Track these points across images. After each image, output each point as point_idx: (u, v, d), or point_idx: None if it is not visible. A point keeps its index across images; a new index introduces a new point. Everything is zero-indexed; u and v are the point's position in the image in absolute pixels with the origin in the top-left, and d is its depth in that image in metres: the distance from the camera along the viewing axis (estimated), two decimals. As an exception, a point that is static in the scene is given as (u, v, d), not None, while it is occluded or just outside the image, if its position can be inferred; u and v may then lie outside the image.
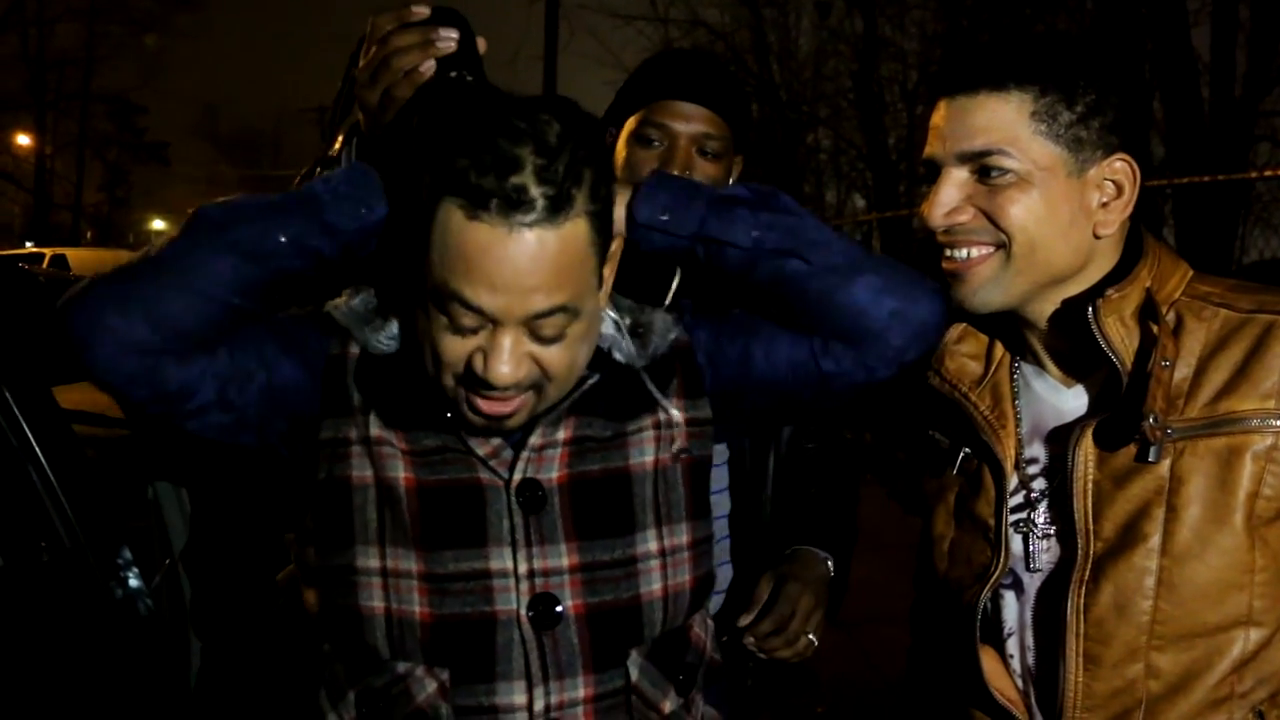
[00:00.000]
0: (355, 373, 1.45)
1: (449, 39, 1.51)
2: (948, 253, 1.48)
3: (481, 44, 1.54)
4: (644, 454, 1.47)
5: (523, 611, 1.39)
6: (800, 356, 1.49)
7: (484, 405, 1.34)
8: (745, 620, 1.91)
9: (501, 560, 1.40)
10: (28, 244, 26.99)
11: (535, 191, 1.25)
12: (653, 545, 1.46)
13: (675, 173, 1.89)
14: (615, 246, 1.44)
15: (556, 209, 1.27)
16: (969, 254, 1.46)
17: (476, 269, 1.26)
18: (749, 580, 2.02)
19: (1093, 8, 14.10)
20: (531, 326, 1.31)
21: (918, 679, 1.77)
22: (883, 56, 18.22)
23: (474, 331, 1.31)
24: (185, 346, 1.36)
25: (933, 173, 1.49)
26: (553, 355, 1.34)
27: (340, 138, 1.65)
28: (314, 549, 1.47)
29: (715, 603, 2.07)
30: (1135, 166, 1.46)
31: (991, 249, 1.45)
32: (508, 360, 1.30)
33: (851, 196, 20.05)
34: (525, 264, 1.26)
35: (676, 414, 1.50)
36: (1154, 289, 1.45)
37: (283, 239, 1.35)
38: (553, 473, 1.43)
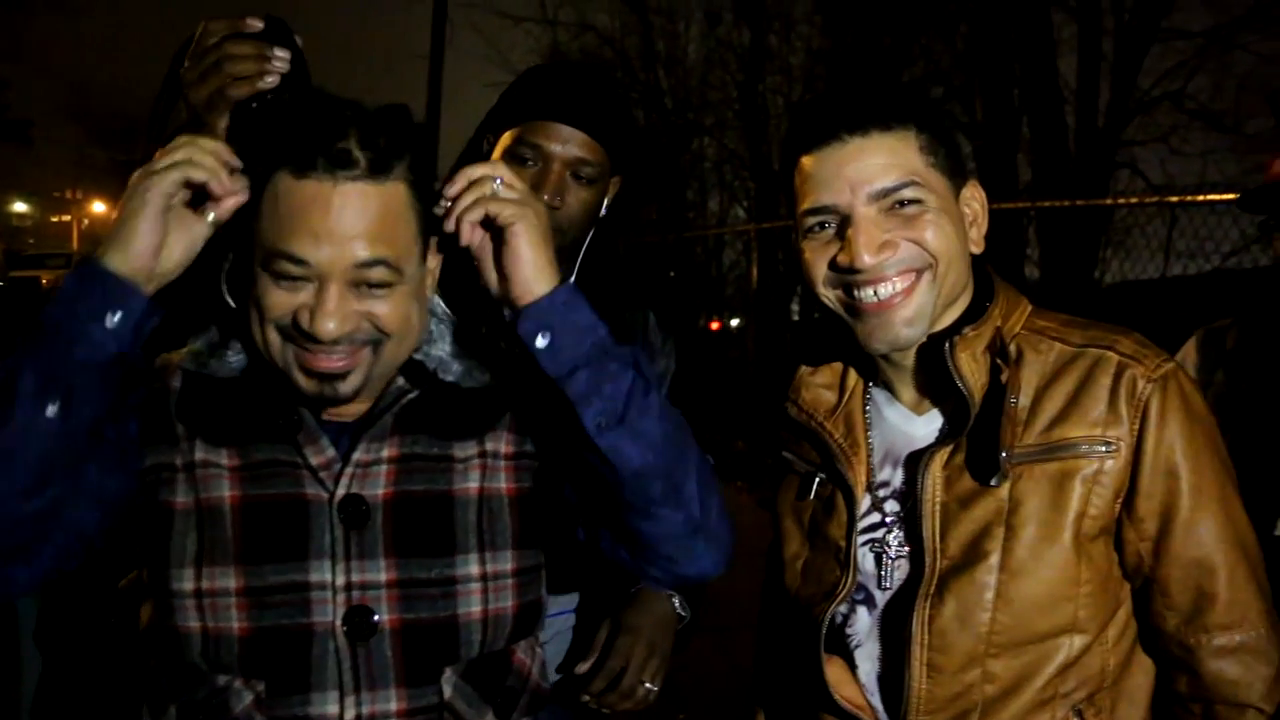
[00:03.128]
0: (178, 403, 1.49)
1: (283, 60, 1.57)
2: (869, 292, 1.51)
3: (300, 42, 1.61)
4: (468, 480, 1.51)
5: (338, 623, 1.43)
6: (591, 521, 1.54)
7: (314, 360, 1.39)
8: (582, 670, 1.94)
9: (321, 573, 1.44)
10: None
11: (358, 153, 1.36)
12: (474, 569, 1.49)
13: (546, 198, 1.92)
14: (434, 264, 1.50)
15: (377, 169, 1.37)
16: (894, 287, 1.51)
17: (303, 221, 1.35)
18: (591, 625, 2.03)
19: (966, 31, 14.52)
20: (356, 280, 1.37)
21: (764, 685, 1.87)
22: (768, 69, 18.51)
23: (301, 288, 1.37)
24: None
25: (830, 222, 1.53)
26: (384, 309, 1.40)
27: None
28: (144, 570, 1.50)
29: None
30: (982, 191, 1.62)
31: (914, 277, 1.52)
32: (334, 313, 1.36)
33: (733, 206, 20.27)
34: (348, 214, 1.36)
35: (503, 447, 1.54)
36: (1002, 326, 1.58)
37: (51, 413, 1.30)
38: (378, 489, 1.47)
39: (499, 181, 1.44)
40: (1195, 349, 2.66)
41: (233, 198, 1.38)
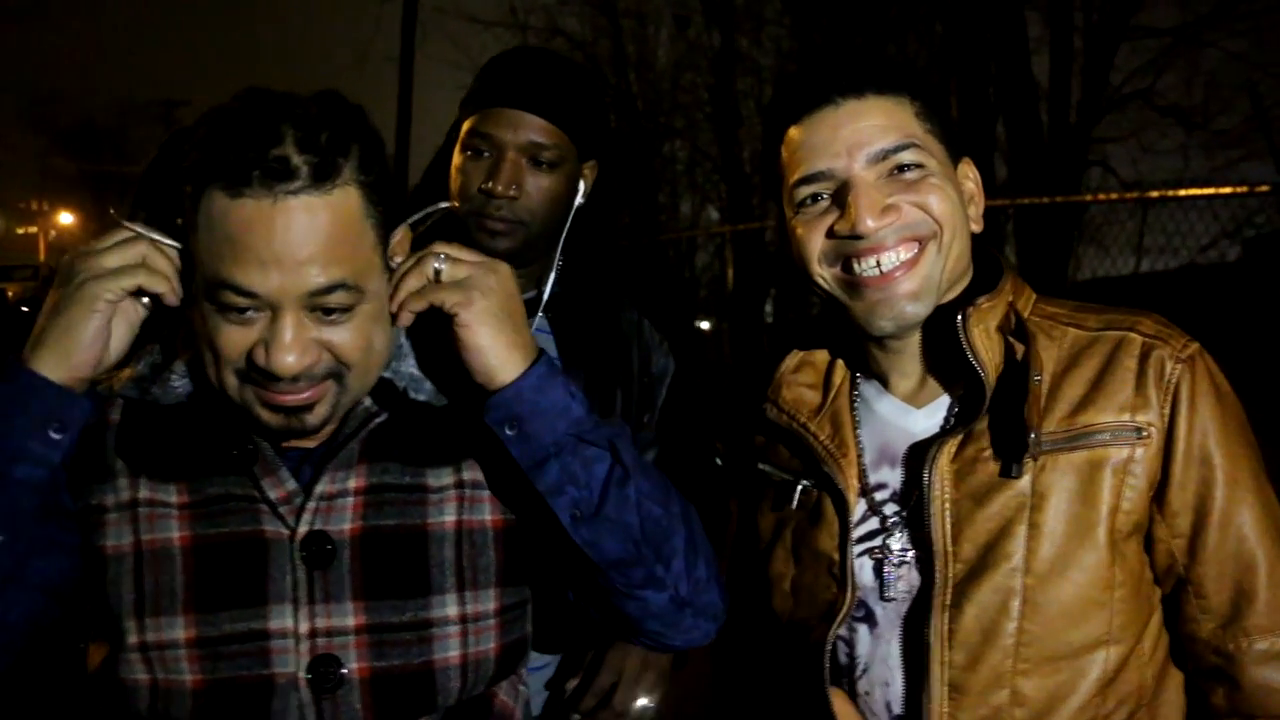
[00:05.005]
0: (118, 437, 1.35)
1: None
2: (870, 263, 1.39)
3: None
4: (444, 513, 1.37)
5: (302, 674, 1.30)
6: (571, 582, 1.43)
7: (276, 397, 1.25)
8: (571, 687, 1.83)
9: (281, 619, 1.30)
10: None
11: (297, 160, 1.19)
12: (451, 611, 1.35)
13: (500, 188, 1.83)
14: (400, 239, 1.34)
15: (322, 176, 1.20)
16: (898, 257, 1.40)
17: (244, 248, 1.19)
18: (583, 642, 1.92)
19: (941, 30, 14.53)
20: (313, 307, 1.22)
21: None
22: (739, 71, 18.47)
23: (253, 321, 1.22)
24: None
25: (828, 188, 1.42)
26: (343, 338, 1.25)
27: None
28: (90, 618, 1.36)
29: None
30: (976, 170, 1.52)
31: (918, 247, 1.40)
32: (291, 346, 1.21)
33: (706, 209, 20.24)
34: (295, 235, 1.19)
35: (484, 475, 1.40)
36: (1015, 304, 1.45)
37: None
38: (344, 524, 1.33)
39: (441, 260, 1.31)
40: None
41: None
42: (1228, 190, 5.99)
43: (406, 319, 1.31)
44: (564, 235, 2.00)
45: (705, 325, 14.91)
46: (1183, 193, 6.56)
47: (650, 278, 2.19)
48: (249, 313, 1.22)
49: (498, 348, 1.29)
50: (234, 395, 1.27)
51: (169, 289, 1.26)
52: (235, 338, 1.23)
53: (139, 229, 1.28)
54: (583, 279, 2.05)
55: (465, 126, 1.92)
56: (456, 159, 1.93)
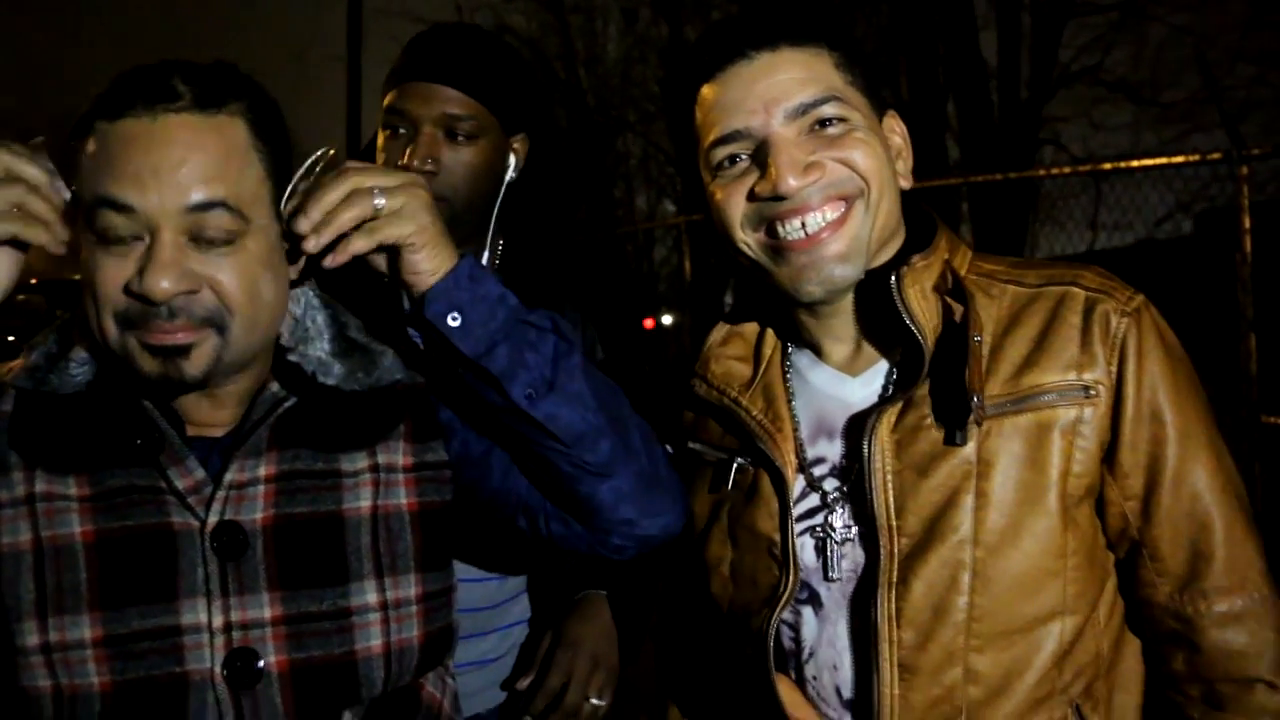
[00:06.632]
0: (10, 429, 1.29)
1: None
2: (795, 225, 1.33)
3: None
4: (360, 498, 1.34)
5: (218, 670, 1.25)
6: (532, 503, 1.42)
7: (152, 335, 1.20)
8: (522, 687, 1.81)
9: (194, 614, 1.25)
10: None
11: (182, 87, 1.21)
12: (371, 598, 1.32)
13: (416, 163, 1.79)
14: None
15: (206, 102, 1.21)
16: (824, 217, 1.32)
17: (122, 162, 1.18)
18: (537, 637, 1.91)
19: (888, 10, 14.55)
20: (192, 229, 1.20)
21: (685, 709, 1.65)
22: (689, 62, 18.50)
23: (132, 250, 1.19)
24: None
25: (746, 148, 1.35)
26: (226, 275, 1.22)
27: None
28: None
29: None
30: (903, 123, 1.44)
31: (845, 206, 1.33)
32: (167, 266, 1.18)
33: (662, 202, 20.21)
34: (175, 150, 1.19)
35: (400, 458, 1.37)
36: (951, 262, 1.39)
37: None
38: (256, 513, 1.29)
39: (379, 194, 1.26)
40: None
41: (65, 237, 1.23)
42: (1180, 159, 5.94)
43: (344, 258, 1.27)
44: (496, 213, 1.93)
45: (668, 319, 14.88)
46: (1134, 164, 6.53)
47: (593, 274, 2.12)
48: (128, 239, 1.19)
49: (435, 248, 1.29)
50: (115, 345, 1.23)
51: (49, 238, 1.22)
52: (113, 271, 1.20)
53: (19, 150, 1.23)
54: (523, 268, 1.97)
55: (384, 104, 1.87)
56: (379, 138, 1.88)
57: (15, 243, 1.22)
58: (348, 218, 1.25)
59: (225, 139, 1.21)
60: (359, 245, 1.26)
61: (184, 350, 1.22)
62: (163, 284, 1.17)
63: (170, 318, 1.20)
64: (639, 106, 19.66)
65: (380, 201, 1.26)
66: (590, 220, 17.55)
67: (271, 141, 1.26)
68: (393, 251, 1.29)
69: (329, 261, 1.28)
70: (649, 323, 15.29)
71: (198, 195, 1.18)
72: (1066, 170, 7.52)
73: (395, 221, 1.27)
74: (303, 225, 1.25)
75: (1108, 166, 6.65)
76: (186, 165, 1.18)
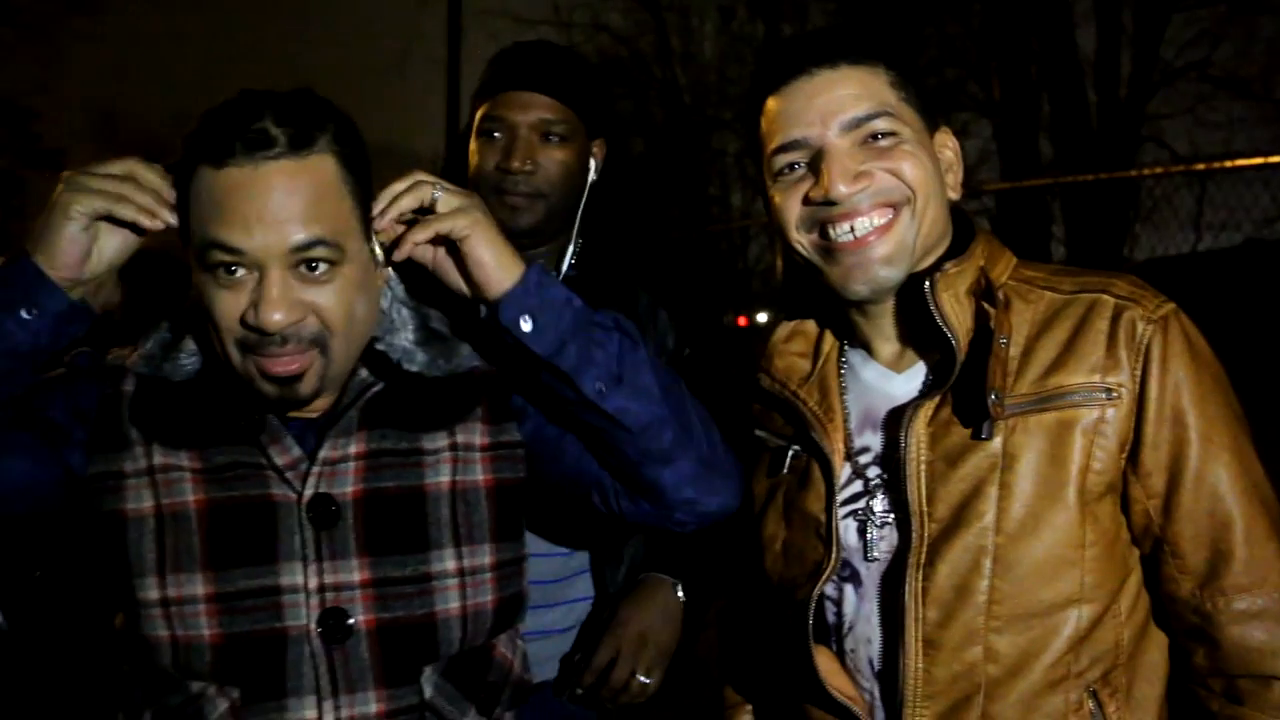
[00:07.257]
0: (131, 408, 1.44)
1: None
2: (844, 228, 1.43)
3: None
4: (440, 474, 1.47)
5: (313, 626, 1.39)
6: (604, 481, 1.53)
7: (269, 365, 1.34)
8: (575, 659, 1.91)
9: (292, 576, 1.39)
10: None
11: (276, 131, 1.31)
12: (450, 564, 1.45)
13: (517, 164, 1.92)
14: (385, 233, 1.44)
15: (299, 144, 1.32)
16: (871, 222, 1.43)
17: (229, 209, 1.30)
18: (597, 615, 2.00)
19: (980, 9, 14.34)
20: (296, 265, 1.32)
21: (739, 679, 1.76)
22: (784, 60, 18.37)
23: (242, 283, 1.32)
24: None
25: (804, 156, 1.46)
26: (327, 300, 1.35)
27: None
28: (105, 579, 1.45)
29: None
30: (955, 139, 1.54)
31: (892, 213, 1.43)
32: (277, 301, 1.31)
33: (757, 200, 20.12)
34: (276, 196, 1.31)
35: (476, 438, 1.49)
36: (987, 269, 1.47)
37: None
38: (346, 487, 1.42)
39: (438, 188, 1.42)
40: None
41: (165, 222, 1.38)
42: (1276, 159, 5.84)
43: (408, 251, 1.43)
44: (580, 213, 2.07)
45: (762, 317, 14.85)
46: (1230, 164, 6.41)
47: (671, 266, 2.26)
48: (237, 272, 1.32)
49: (501, 255, 1.42)
50: (239, 368, 1.37)
51: (146, 218, 1.36)
52: (228, 302, 1.33)
53: (141, 165, 1.38)
54: (598, 262, 2.11)
55: (478, 115, 2.01)
56: (472, 145, 2.02)
57: (133, 226, 1.37)
58: (407, 201, 1.41)
59: (318, 179, 1.33)
60: (419, 235, 1.41)
61: (298, 377, 1.36)
62: (275, 317, 1.31)
63: (283, 344, 1.34)
64: (734, 105, 19.61)
65: (438, 194, 1.41)
66: (682, 218, 17.61)
67: (356, 169, 1.39)
68: (459, 260, 1.43)
69: (396, 255, 1.43)
70: (743, 320, 15.29)
71: (299, 236, 1.31)
72: (1159, 170, 7.37)
73: (451, 215, 1.41)
74: (373, 209, 1.41)
75: (1201, 166, 6.52)
76: (287, 210, 1.31)
